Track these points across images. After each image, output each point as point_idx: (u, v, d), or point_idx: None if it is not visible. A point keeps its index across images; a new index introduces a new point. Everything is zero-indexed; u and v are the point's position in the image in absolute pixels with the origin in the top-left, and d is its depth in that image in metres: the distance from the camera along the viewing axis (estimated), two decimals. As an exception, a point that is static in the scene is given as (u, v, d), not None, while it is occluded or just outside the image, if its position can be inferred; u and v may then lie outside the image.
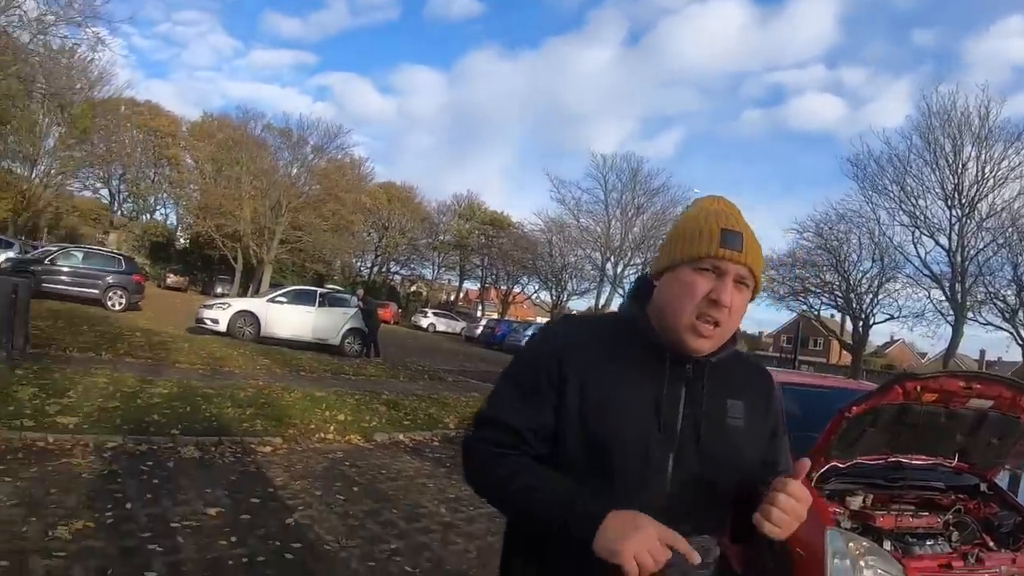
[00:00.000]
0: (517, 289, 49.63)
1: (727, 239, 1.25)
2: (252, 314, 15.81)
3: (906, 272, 26.23)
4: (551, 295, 43.78)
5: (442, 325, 40.69)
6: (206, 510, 4.61)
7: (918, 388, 3.56)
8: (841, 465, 3.98)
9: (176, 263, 42.55)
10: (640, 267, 38.48)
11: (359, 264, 55.52)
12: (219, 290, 34.14)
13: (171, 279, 37.73)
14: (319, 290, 18.62)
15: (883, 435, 3.94)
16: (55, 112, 28.56)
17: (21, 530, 3.84)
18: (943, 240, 23.25)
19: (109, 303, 17.62)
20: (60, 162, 32.40)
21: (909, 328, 35.01)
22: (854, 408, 3.65)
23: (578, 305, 45.33)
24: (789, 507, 1.18)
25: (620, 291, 39.24)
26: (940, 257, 24.29)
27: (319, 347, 16.20)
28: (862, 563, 3.28)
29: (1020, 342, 20.89)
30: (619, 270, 39.22)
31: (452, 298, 58.91)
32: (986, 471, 4.19)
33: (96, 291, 17.61)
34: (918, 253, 24.43)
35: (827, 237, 28.53)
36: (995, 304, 21.71)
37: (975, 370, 4.06)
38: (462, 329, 39.08)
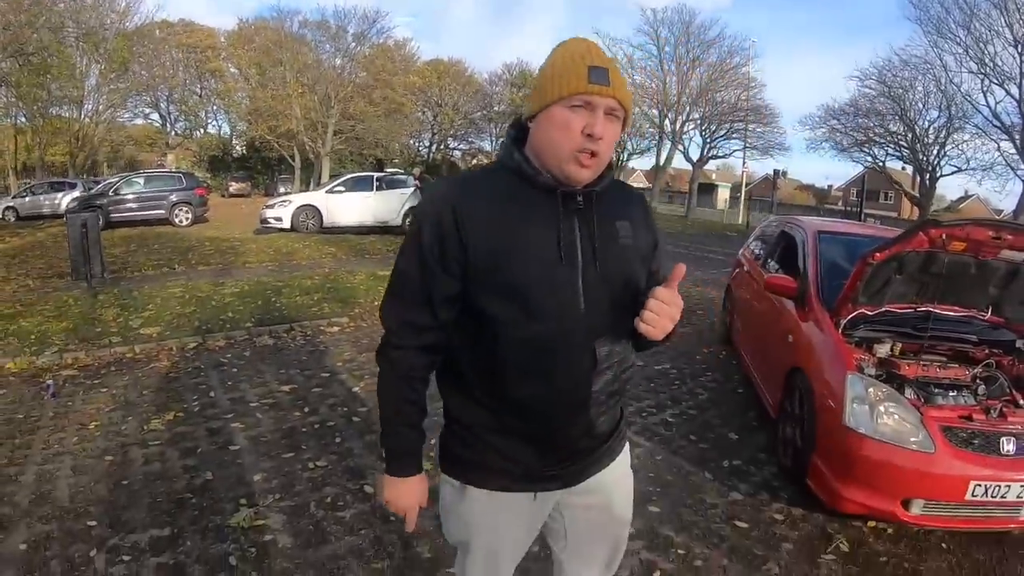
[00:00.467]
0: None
1: (594, 75, 1.32)
2: (313, 207, 16.09)
3: (974, 122, 24.22)
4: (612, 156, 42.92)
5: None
6: (281, 388, 5.00)
7: (943, 236, 3.54)
8: (869, 312, 3.99)
9: (236, 171, 43.32)
10: (698, 121, 37.04)
11: (417, 144, 55.22)
12: (281, 189, 34.51)
13: (233, 187, 38.49)
14: (375, 175, 18.67)
15: (912, 284, 3.92)
16: (91, 52, 28.66)
17: (121, 428, 4.25)
18: (1013, 89, 21.13)
19: (176, 220, 18.28)
20: (106, 97, 32.75)
21: (977, 182, 32.94)
22: (877, 255, 3.65)
23: (640, 164, 44.32)
24: (658, 308, 1.35)
25: (680, 147, 38.05)
26: (1011, 107, 22.31)
27: (383, 229, 16.48)
28: (880, 408, 3.30)
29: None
30: (678, 126, 37.73)
31: (517, 168, 58.33)
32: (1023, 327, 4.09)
33: (162, 211, 18.24)
34: (987, 103, 22.44)
35: (890, 85, 26.69)
36: None
37: (1007, 220, 3.71)
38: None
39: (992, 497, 3.14)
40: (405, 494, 1.54)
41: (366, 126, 36.82)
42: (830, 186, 63.01)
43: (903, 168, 32.41)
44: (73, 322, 6.74)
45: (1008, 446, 3.20)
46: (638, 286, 1.47)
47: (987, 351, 4.06)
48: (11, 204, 21.81)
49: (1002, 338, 4.09)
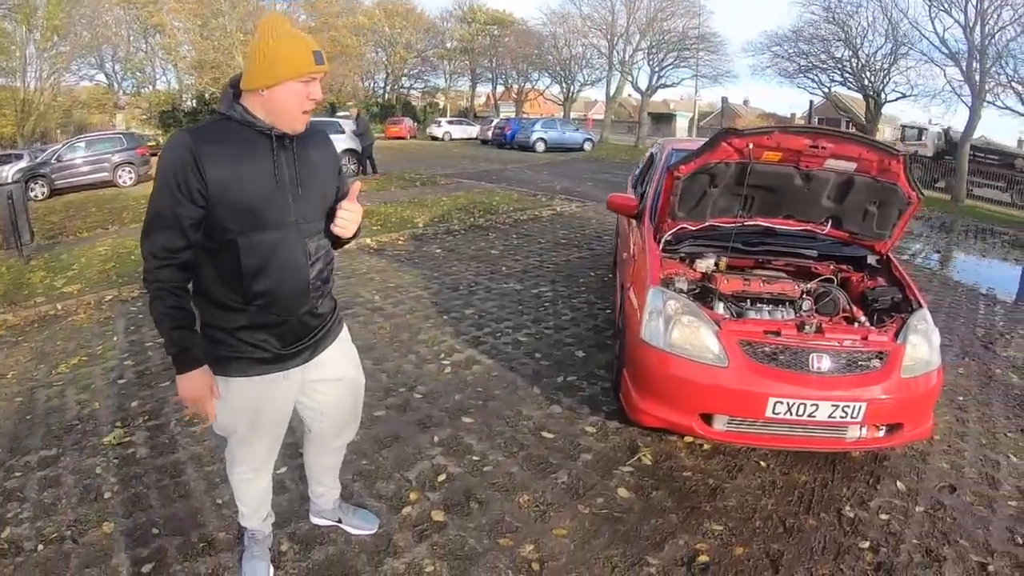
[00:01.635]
0: (528, 86, 48.61)
1: (318, 57, 1.86)
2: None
3: (920, 49, 24.13)
4: (561, 88, 43.11)
5: (458, 132, 40.45)
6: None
7: (749, 145, 3.47)
8: (692, 227, 4.01)
9: (188, 124, 42.84)
10: (647, 51, 36.92)
11: (372, 86, 54.67)
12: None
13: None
14: (322, 119, 18.87)
15: (734, 197, 3.89)
16: (24, 21, 28.03)
17: (33, 375, 4.95)
18: (957, 15, 21.06)
19: (120, 181, 18.54)
20: (49, 63, 32.13)
21: (923, 108, 32.69)
22: (682, 167, 3.62)
23: (590, 94, 44.41)
24: (346, 215, 2.05)
25: (629, 77, 38.02)
26: (959, 33, 21.78)
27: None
28: (676, 322, 3.30)
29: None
30: (626, 56, 37.66)
31: (472, 104, 58.04)
32: (874, 242, 4.02)
33: (106, 173, 18.47)
34: (935, 29, 22.07)
35: (834, 10, 26.44)
36: (1013, 88, 19.89)
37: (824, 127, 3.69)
38: (477, 134, 38.96)
39: (798, 416, 3.10)
40: (193, 386, 1.94)
41: (311, 71, 36.55)
42: (793, 115, 63.19)
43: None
44: (3, 288, 7.37)
45: (819, 363, 3.15)
46: (330, 197, 2.09)
47: (832, 267, 4.12)
48: (-38, 177, 21.82)
49: (854, 254, 4.10)
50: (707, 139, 3.63)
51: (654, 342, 3.32)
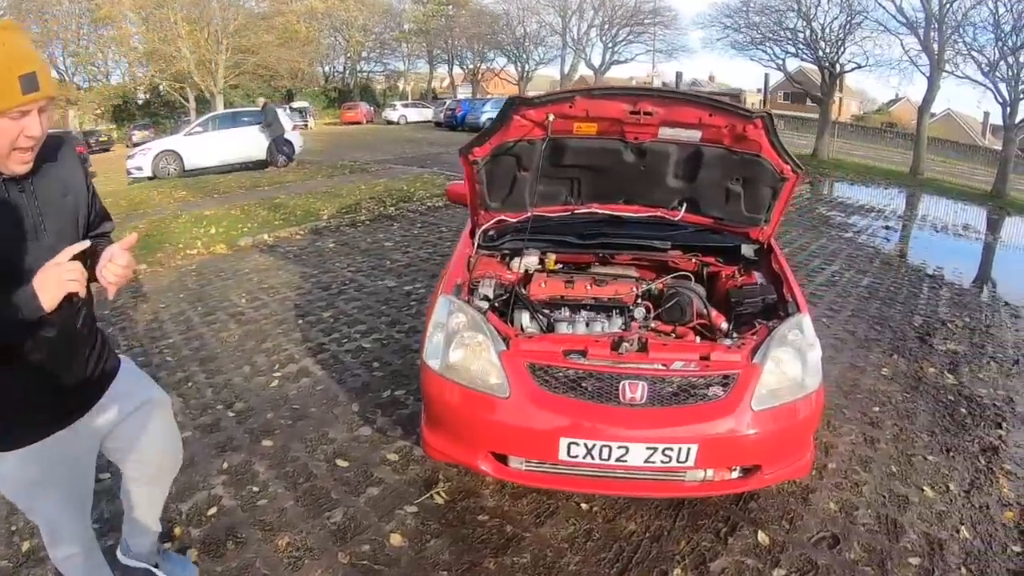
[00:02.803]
0: (484, 67, 48.38)
1: (26, 84, 1.44)
2: (173, 152, 16.17)
3: (875, 18, 23.90)
4: (516, 68, 42.98)
5: (413, 115, 40.17)
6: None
7: (549, 117, 2.93)
8: (511, 219, 3.45)
9: (141, 119, 42.19)
10: (600, 26, 36.78)
11: (331, 71, 54.10)
12: (135, 137, 33.57)
13: (136, 135, 37.48)
14: (237, 111, 18.76)
15: (557, 181, 3.40)
16: None
17: None
18: None
19: (55, 180, 18.24)
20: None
21: (878, 79, 31.99)
22: (475, 150, 3.09)
23: (545, 73, 44.35)
24: (113, 268, 1.64)
25: (583, 56, 37.91)
26: (916, 3, 21.85)
27: (244, 167, 16.52)
28: (457, 339, 2.70)
29: (999, 99, 19.04)
30: (580, 32, 37.51)
31: (430, 87, 57.67)
32: (747, 228, 3.43)
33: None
34: None
35: None
36: (973, 57, 19.82)
37: (643, 86, 3.30)
38: (432, 116, 38.70)
39: (603, 460, 2.45)
40: (43, 274, 1.58)
41: (260, 57, 36.03)
42: (759, 90, 63.05)
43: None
44: None
45: (633, 392, 2.48)
46: (83, 232, 1.80)
47: (695, 260, 3.53)
48: None
49: (723, 243, 3.47)
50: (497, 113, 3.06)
51: (432, 363, 2.72)
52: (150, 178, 15.80)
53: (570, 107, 2.87)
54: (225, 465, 3.40)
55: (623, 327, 3.02)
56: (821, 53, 25.93)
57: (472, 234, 3.49)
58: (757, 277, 3.29)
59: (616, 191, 3.45)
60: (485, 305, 2.97)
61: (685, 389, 2.54)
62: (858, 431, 3.80)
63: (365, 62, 54.06)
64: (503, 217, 3.47)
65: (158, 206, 12.10)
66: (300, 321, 5.55)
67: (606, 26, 37.10)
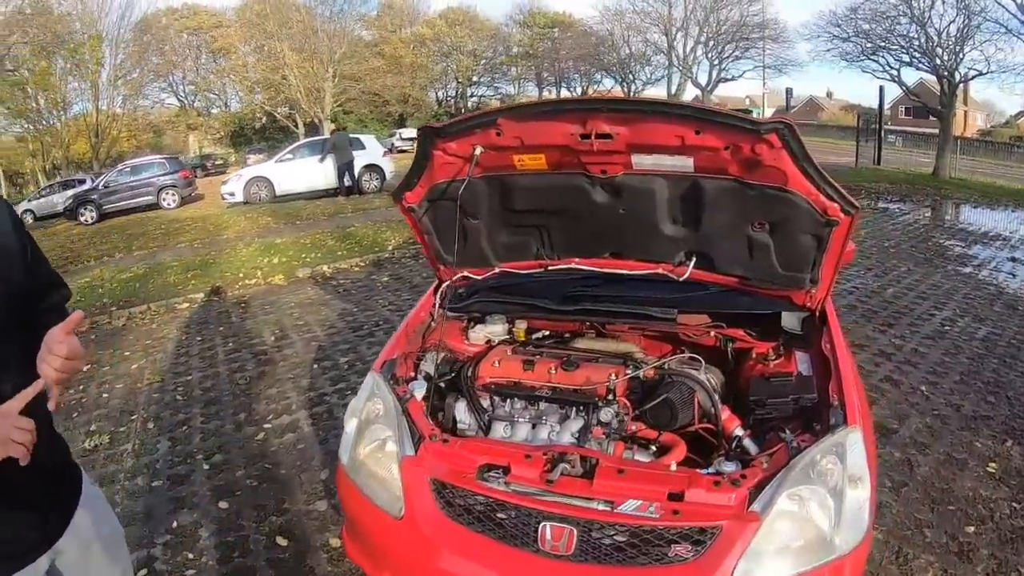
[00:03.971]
0: (592, 89, 48.24)
1: None
2: (264, 178, 16.86)
3: (994, 18, 21.95)
4: (622, 88, 42.55)
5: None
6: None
7: (476, 149, 2.31)
8: (476, 276, 2.90)
9: (257, 143, 44.76)
10: (706, 44, 35.90)
11: (444, 95, 55.55)
12: (250, 161, 35.31)
13: (251, 159, 39.88)
14: (325, 137, 19.33)
15: (520, 231, 2.73)
16: (69, 57, 29.67)
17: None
18: None
19: (164, 203, 19.54)
20: (124, 88, 34.07)
21: (1000, 87, 29.14)
22: (407, 195, 2.61)
23: (654, 93, 43.74)
24: (53, 363, 1.30)
25: (690, 75, 37.05)
26: None
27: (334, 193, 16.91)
28: (365, 435, 2.28)
29: None
30: (685, 50, 36.69)
31: (540, 109, 58.18)
32: (788, 291, 2.49)
33: (151, 196, 19.57)
34: None
35: None
36: None
37: (590, 96, 2.47)
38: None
39: None
40: None
41: (365, 84, 37.43)
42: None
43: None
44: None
45: (557, 539, 1.84)
46: (13, 312, 1.41)
47: (716, 335, 2.71)
48: (29, 207, 23.51)
49: (755, 309, 2.58)
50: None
51: (342, 456, 2.31)
52: (244, 203, 16.58)
53: (497, 135, 2.25)
54: (175, 524, 3.34)
55: (576, 436, 2.30)
56: (938, 61, 23.98)
57: (437, 292, 2.94)
58: (799, 361, 2.42)
59: (596, 242, 2.68)
60: (422, 388, 2.44)
61: (635, 543, 1.80)
62: (938, 566, 2.76)
63: (476, 86, 55.19)
64: (467, 273, 2.90)
65: (241, 231, 12.66)
66: (315, 366, 5.39)
67: (711, 43, 36.07)
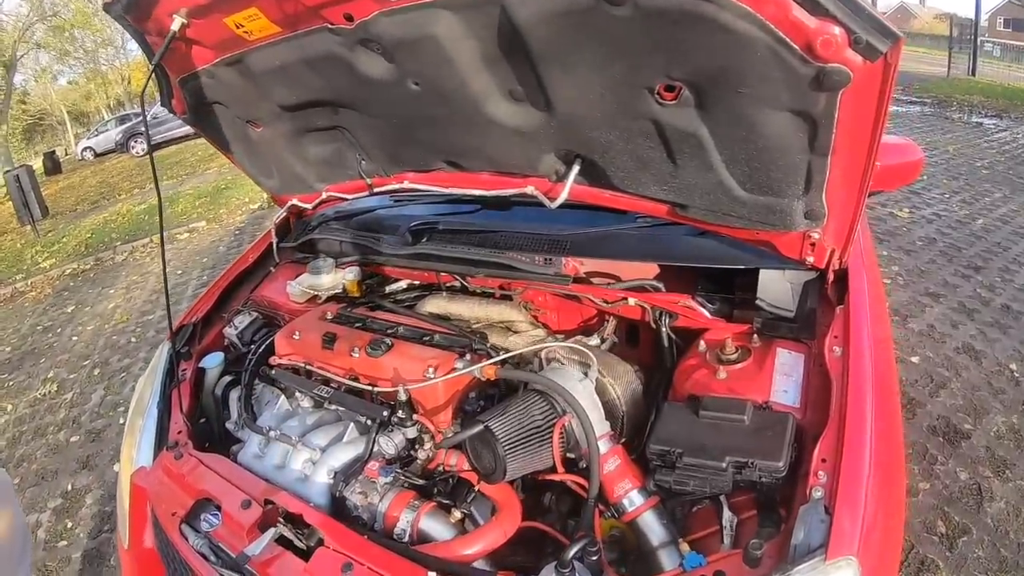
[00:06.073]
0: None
1: None
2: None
3: None
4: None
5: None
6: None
7: (175, 17, 1.41)
8: (303, 204, 2.24)
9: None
10: None
11: None
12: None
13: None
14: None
15: (322, 137, 1.93)
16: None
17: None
18: None
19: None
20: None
21: None
22: (172, 102, 1.82)
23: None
24: None
25: None
26: None
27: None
28: (134, 424, 1.80)
29: None
30: None
31: None
32: (771, 233, 1.43)
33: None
34: None
35: None
36: None
37: None
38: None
39: None
40: None
41: None
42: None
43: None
44: (7, 263, 8.13)
45: None
46: None
47: (639, 303, 1.64)
48: (88, 144, 24.06)
49: (706, 263, 1.60)
50: None
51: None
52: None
53: None
54: (70, 487, 3.21)
55: (332, 474, 1.46)
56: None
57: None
58: (777, 372, 1.37)
59: (417, 146, 1.79)
60: (216, 366, 1.90)
61: None
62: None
63: None
64: (296, 201, 2.24)
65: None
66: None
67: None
